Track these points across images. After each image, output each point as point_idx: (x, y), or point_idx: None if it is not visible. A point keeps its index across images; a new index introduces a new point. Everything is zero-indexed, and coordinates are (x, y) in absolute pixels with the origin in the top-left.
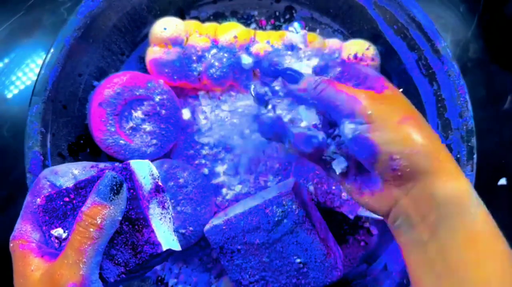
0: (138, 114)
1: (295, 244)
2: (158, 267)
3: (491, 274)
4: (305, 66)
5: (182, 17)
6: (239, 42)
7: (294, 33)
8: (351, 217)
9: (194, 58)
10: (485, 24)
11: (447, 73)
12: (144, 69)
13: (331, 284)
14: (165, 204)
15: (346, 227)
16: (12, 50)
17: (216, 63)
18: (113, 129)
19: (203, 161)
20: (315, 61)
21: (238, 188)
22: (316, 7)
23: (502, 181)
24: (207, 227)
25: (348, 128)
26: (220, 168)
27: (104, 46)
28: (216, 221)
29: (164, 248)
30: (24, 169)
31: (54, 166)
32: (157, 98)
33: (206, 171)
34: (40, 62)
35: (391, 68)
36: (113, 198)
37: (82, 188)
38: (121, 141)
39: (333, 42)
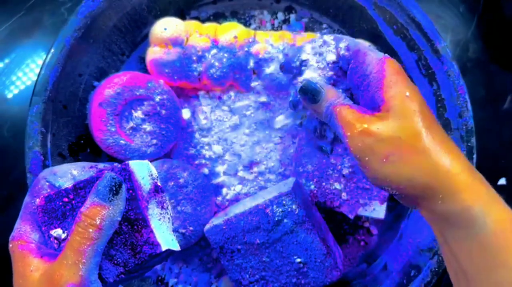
0: (138, 114)
1: (295, 244)
2: (158, 267)
3: (503, 279)
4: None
5: (182, 17)
6: (239, 42)
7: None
8: (351, 217)
9: (194, 58)
10: (485, 24)
11: (446, 73)
12: (144, 69)
13: (331, 284)
14: (164, 204)
15: (346, 227)
16: (12, 50)
17: (216, 63)
18: (113, 129)
19: (203, 161)
20: (332, 56)
21: (238, 188)
22: (316, 7)
23: (502, 181)
24: (207, 227)
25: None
26: (220, 168)
27: (104, 46)
28: (216, 221)
29: (163, 248)
30: (24, 169)
31: (53, 166)
32: (157, 98)
33: (206, 171)
34: (40, 62)
35: None
36: (112, 199)
37: (81, 189)
38: (122, 141)
39: None
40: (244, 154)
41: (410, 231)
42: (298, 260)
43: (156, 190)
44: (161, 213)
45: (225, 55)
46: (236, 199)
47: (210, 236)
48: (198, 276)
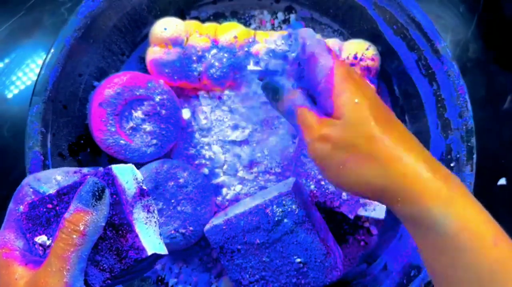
0: (138, 114)
1: (295, 244)
2: (158, 267)
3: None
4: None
5: (182, 17)
6: (239, 42)
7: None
8: (351, 217)
9: (194, 58)
10: (485, 24)
11: (446, 73)
12: (144, 69)
13: (331, 284)
14: (150, 207)
15: (346, 227)
16: (12, 50)
17: (216, 63)
18: (113, 129)
19: (203, 161)
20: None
21: (238, 188)
22: (316, 7)
23: (502, 181)
24: (207, 227)
25: None
26: (220, 168)
27: (104, 46)
28: (216, 221)
29: (149, 252)
30: (24, 169)
31: (37, 173)
32: (157, 98)
33: (206, 171)
34: (40, 62)
35: (391, 68)
36: (95, 204)
37: (65, 194)
38: (122, 141)
39: (333, 42)
40: (244, 154)
41: None
42: (298, 260)
43: (142, 194)
44: (147, 217)
45: (225, 55)
46: (236, 199)
47: (210, 236)
48: (198, 276)
